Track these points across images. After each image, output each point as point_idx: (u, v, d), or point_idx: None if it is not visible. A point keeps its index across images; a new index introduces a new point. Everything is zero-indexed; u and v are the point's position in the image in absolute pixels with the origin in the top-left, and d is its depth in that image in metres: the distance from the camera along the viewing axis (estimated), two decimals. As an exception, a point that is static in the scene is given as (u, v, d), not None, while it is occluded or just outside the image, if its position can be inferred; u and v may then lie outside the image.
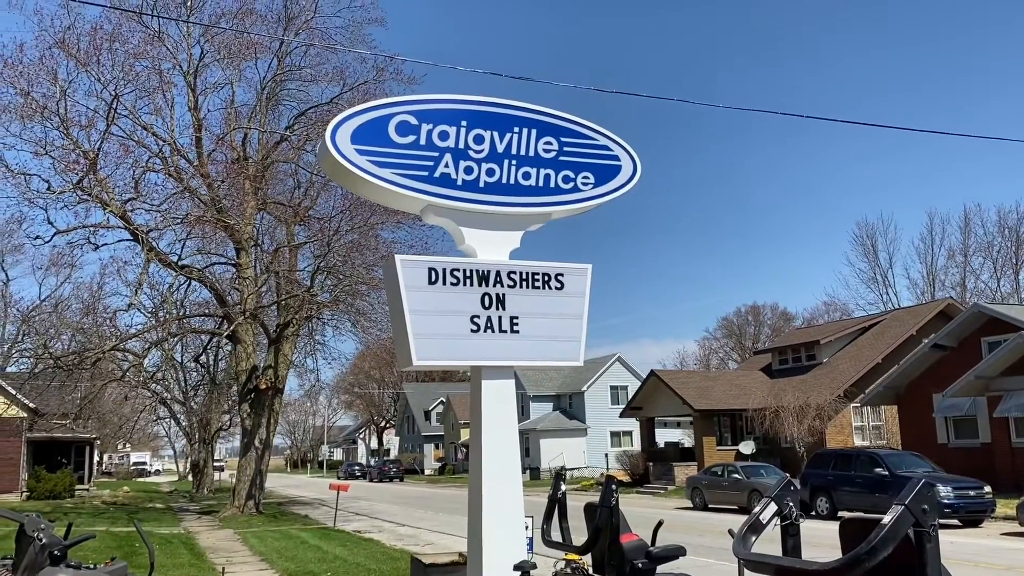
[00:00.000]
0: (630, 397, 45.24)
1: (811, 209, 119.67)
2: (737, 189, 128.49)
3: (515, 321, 7.74)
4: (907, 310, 41.21)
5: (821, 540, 8.84)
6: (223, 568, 10.70)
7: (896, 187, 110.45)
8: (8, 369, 45.94)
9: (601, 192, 8.44)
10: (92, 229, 25.24)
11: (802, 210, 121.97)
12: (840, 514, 20.27)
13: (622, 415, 44.55)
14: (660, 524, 6.10)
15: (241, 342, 26.64)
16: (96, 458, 52.92)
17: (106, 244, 27.32)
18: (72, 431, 41.79)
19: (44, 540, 6.65)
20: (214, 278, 27.44)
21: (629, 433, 51.83)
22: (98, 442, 50.89)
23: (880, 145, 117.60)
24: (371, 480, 61.28)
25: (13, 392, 35.49)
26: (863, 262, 61.21)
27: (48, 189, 24.02)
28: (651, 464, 39.18)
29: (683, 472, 35.04)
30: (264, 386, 26.22)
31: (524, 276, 7.88)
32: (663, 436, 45.42)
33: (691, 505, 27.08)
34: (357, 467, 72.02)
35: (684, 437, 48.54)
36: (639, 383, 44.80)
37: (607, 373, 54.96)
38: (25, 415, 38.03)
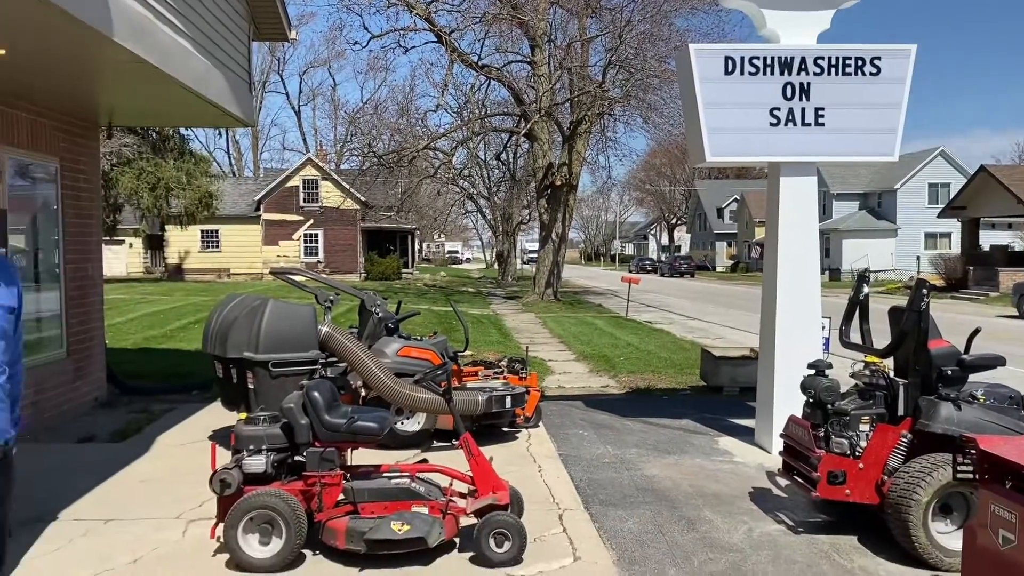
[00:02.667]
0: (952, 196, 40.73)
1: None
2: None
3: (820, 113, 7.15)
4: None
5: None
6: (527, 347, 11.78)
7: None
8: (342, 166, 51.98)
9: (934, -44, 7.23)
10: (401, 32, 26.93)
11: None
12: None
13: (940, 215, 40.43)
14: (976, 331, 5.61)
15: (537, 140, 27.56)
16: (416, 246, 59.24)
17: (414, 47, 29.06)
18: (396, 222, 46.95)
19: (380, 314, 7.74)
20: (511, 77, 28.21)
21: (947, 235, 47.25)
22: (418, 232, 56.77)
23: None
24: (661, 275, 62.59)
25: (347, 187, 40.30)
26: None
27: (362, -5, 25.70)
28: (971, 269, 35.65)
29: (1009, 278, 31.50)
30: (559, 183, 27.19)
31: (833, 62, 7.15)
32: (988, 239, 40.82)
33: (1016, 314, 24.54)
34: (648, 262, 73.62)
35: (1015, 240, 43.29)
36: (964, 180, 40.02)
37: (926, 169, 49.58)
38: (358, 207, 43.28)
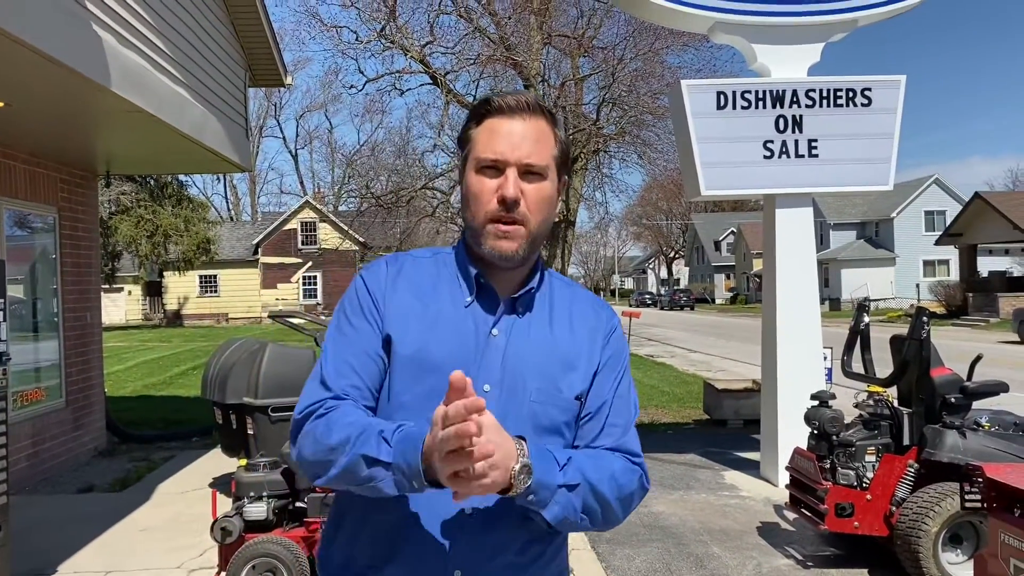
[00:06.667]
0: (948, 223, 40.92)
1: None
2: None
3: (813, 144, 7.21)
4: None
5: None
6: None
7: None
8: (340, 208, 52.23)
9: (919, -11, 7.35)
10: (397, 75, 27.26)
11: None
12: None
13: (938, 243, 40.58)
14: (979, 358, 5.59)
15: (534, 177, 27.71)
16: (416, 286, 59.17)
17: (410, 89, 29.45)
18: (395, 262, 46.98)
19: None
20: (506, 116, 28.43)
21: (945, 263, 47.35)
22: (417, 272, 56.75)
23: None
24: (661, 308, 62.60)
25: (346, 228, 40.46)
26: None
27: (356, 39, 26.09)
28: (970, 295, 35.68)
29: (1009, 304, 31.53)
30: (557, 219, 27.33)
31: (825, 94, 7.23)
32: (986, 265, 40.89)
33: (1017, 339, 24.51)
34: (647, 295, 73.75)
35: (1013, 266, 43.39)
36: (960, 207, 40.22)
37: (921, 197, 49.87)
38: (357, 248, 43.38)
